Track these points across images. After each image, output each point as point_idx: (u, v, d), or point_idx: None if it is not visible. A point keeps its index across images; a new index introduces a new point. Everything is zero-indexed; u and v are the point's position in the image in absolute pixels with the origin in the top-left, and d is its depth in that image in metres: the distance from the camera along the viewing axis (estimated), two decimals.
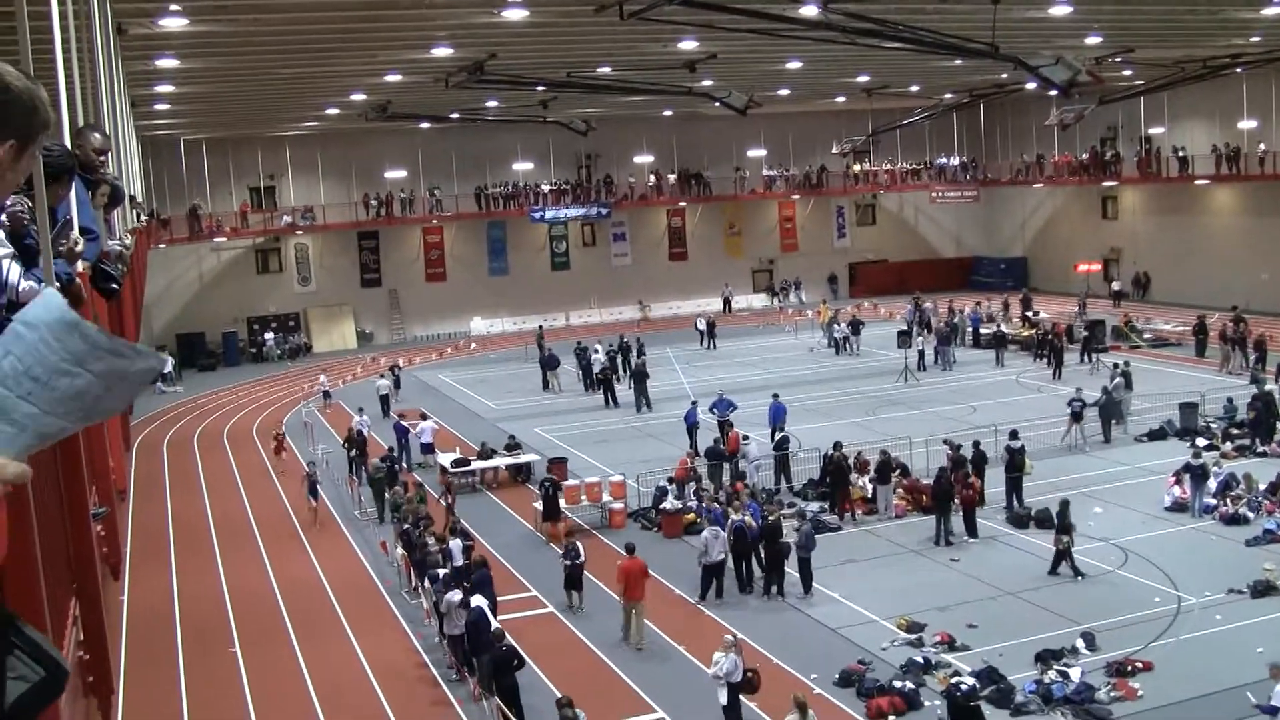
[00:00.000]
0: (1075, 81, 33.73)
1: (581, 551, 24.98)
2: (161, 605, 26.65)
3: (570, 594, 24.87)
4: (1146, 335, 52.66)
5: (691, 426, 36.96)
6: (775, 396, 36.85)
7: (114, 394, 2.06)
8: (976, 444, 30.62)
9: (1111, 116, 63.33)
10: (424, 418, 38.73)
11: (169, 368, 55.82)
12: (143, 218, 28.41)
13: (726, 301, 72.67)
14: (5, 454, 1.95)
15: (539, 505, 30.33)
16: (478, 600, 21.42)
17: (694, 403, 38.00)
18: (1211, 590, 23.65)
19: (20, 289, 4.96)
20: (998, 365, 49.68)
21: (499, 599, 23.01)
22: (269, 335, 65.21)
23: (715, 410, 36.88)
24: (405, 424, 38.14)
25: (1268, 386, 36.03)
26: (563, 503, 29.97)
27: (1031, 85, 46.47)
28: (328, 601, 26.40)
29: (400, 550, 26.86)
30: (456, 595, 21.67)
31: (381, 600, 26.26)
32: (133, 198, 21.88)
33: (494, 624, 20.77)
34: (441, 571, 23.39)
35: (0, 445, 1.96)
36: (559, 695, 18.79)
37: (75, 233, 6.60)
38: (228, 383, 57.45)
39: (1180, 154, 61.27)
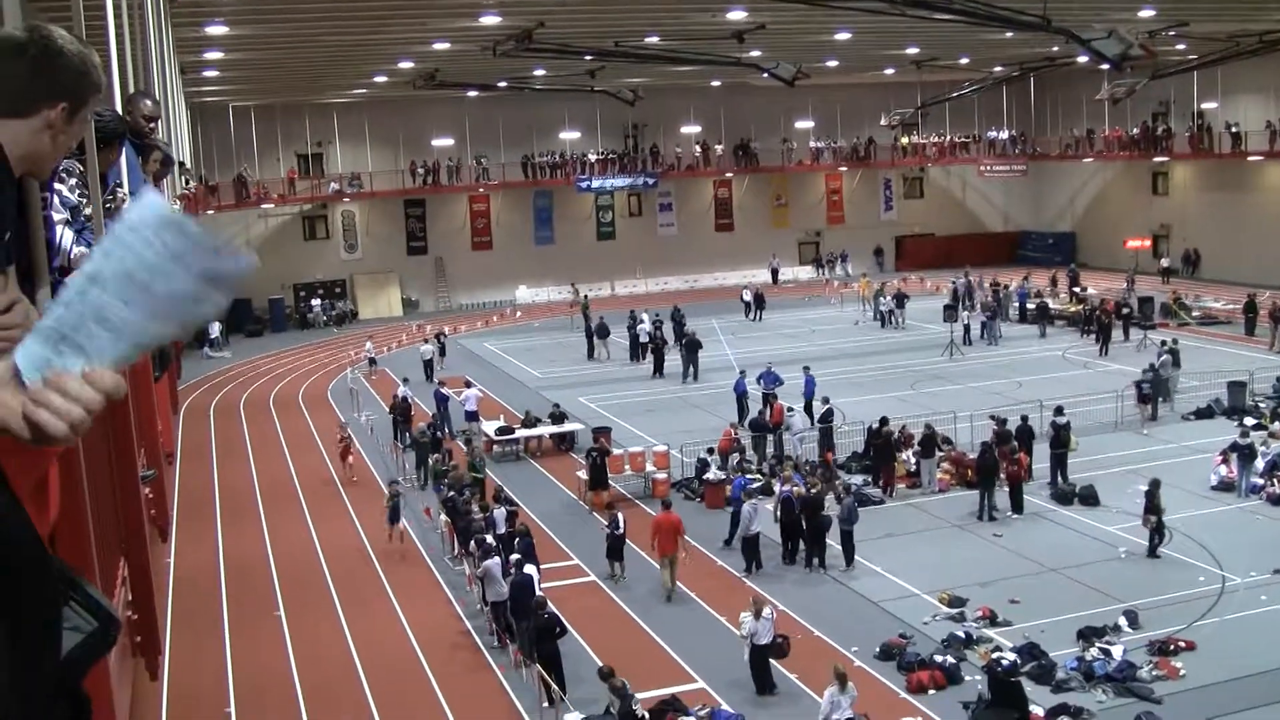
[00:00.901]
0: (1128, 55, 33.47)
1: (621, 523, 25.07)
2: (207, 568, 26.93)
3: (613, 564, 24.95)
4: (1195, 313, 52.18)
5: (741, 395, 36.96)
6: (805, 369, 37.15)
7: (208, 297, 2.04)
8: (1025, 418, 30.50)
9: (1164, 91, 62.66)
10: (468, 385, 38.86)
11: (216, 332, 56.22)
12: (191, 184, 28.57)
13: (774, 273, 72.48)
14: (102, 363, 1.96)
15: (584, 475, 30.44)
16: (529, 569, 21.56)
17: (742, 372, 38.01)
18: (1257, 570, 23.48)
19: (72, 254, 5.01)
20: (1041, 337, 49.64)
21: (541, 566, 23.11)
22: (315, 302, 65.55)
23: (762, 383, 36.88)
24: (446, 391, 38.31)
25: None
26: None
27: (1083, 59, 45.99)
28: (371, 567, 26.58)
29: (444, 517, 27.03)
30: (497, 562, 21.81)
31: (424, 566, 26.41)
32: (182, 164, 22.01)
33: (537, 592, 20.88)
34: (487, 538, 23.50)
35: (97, 354, 1.96)
36: (601, 665, 18.88)
37: (124, 190, 6.65)
38: (274, 348, 57.84)
39: (1233, 130, 60.61)
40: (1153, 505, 24.64)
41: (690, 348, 45.10)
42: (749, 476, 29.87)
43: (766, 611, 19.57)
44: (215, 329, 56.61)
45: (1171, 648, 20.22)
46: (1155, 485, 25.04)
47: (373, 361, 49.87)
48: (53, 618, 2.08)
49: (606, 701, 18.37)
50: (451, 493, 27.12)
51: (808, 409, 35.13)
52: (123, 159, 6.61)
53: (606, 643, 21.61)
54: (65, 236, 5.09)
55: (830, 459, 31.18)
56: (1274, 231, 59.99)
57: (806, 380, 36.76)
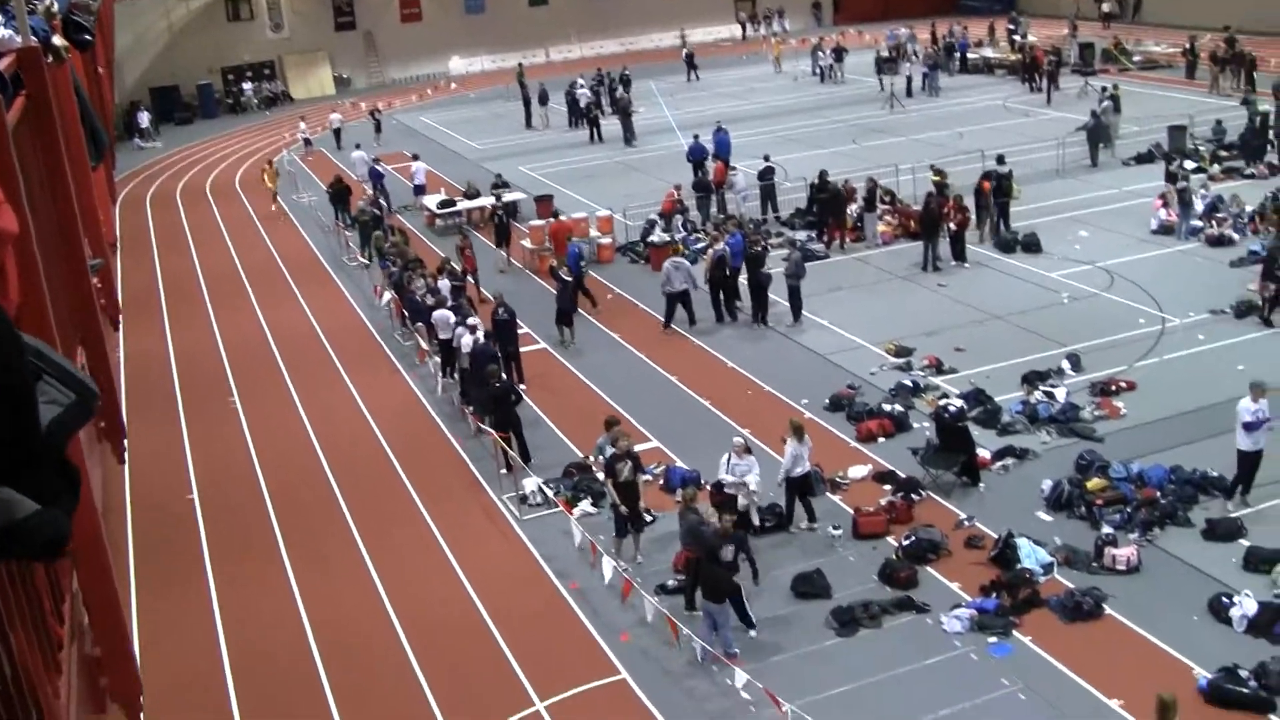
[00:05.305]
0: None
1: (568, 275, 25.43)
2: (158, 358, 26.93)
3: (561, 329, 25.12)
4: (1136, 57, 51.82)
5: (700, 160, 36.52)
6: (722, 130, 37.28)
7: None
8: (1001, 159, 30.58)
9: None
10: (415, 159, 38.37)
11: (145, 122, 55.05)
12: None
13: (743, 26, 72.29)
14: None
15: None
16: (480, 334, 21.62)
17: (695, 136, 37.52)
18: (1195, 311, 23.95)
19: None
20: (948, 75, 51.25)
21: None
22: (246, 85, 63.93)
23: (714, 140, 36.51)
24: (381, 168, 37.99)
25: (1261, 107, 35.67)
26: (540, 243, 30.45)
27: None
28: (321, 347, 26.66)
29: (390, 294, 27.02)
30: (446, 316, 22.23)
31: (374, 343, 26.51)
32: None
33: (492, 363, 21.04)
34: (429, 300, 23.48)
35: None
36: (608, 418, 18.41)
37: None
38: (206, 135, 56.67)
39: None
40: (1269, 271, 23.32)
41: (623, 112, 44.75)
42: (695, 236, 29.99)
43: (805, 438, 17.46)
44: (144, 119, 55.43)
45: (1113, 388, 20.74)
46: (1276, 250, 23.80)
47: (308, 142, 49.08)
48: (24, 383, 2.10)
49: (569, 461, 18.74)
50: (395, 268, 27.07)
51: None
52: None
53: (563, 409, 21.92)
54: None
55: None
56: None
57: (721, 138, 36.60)
